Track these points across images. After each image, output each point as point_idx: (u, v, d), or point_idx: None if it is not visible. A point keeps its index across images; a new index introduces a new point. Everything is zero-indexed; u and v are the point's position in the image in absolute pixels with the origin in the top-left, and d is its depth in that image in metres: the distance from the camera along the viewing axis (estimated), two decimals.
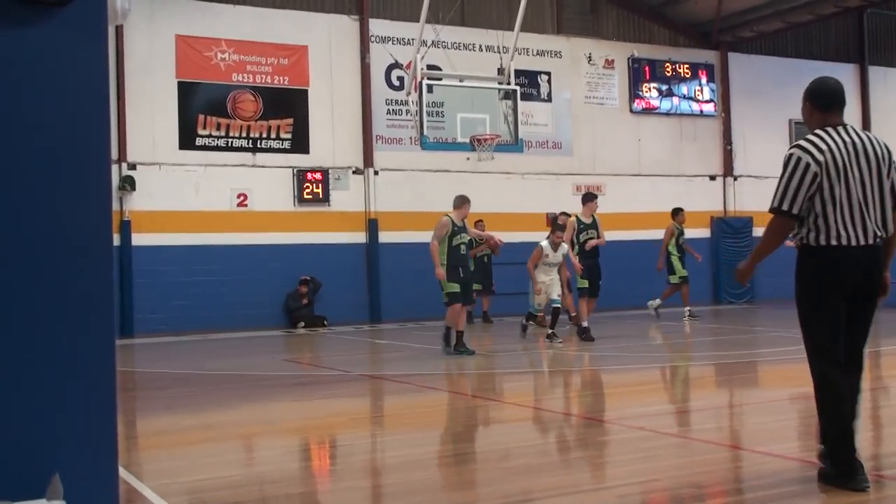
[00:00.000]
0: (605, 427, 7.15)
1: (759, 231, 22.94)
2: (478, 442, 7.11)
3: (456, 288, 12.00)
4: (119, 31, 17.54)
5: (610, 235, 21.40)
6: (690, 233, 19.75)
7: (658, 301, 17.67)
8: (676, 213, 17.82)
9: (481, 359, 13.17)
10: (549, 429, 7.28)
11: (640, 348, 13.20)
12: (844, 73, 25.71)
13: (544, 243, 13.75)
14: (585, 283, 13.82)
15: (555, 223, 14.55)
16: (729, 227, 23.40)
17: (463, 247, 12.20)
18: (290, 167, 19.09)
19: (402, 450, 6.56)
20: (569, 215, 15.35)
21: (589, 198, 14.34)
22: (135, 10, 16.32)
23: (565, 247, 13.65)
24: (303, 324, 18.20)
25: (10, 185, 2.05)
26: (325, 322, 18.40)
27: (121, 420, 6.38)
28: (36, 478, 1.99)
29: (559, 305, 13.70)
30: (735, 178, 23.89)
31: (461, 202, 12.38)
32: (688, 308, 17.12)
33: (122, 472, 5.32)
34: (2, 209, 2.04)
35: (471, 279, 12.48)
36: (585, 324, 13.59)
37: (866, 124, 25.80)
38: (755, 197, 23.51)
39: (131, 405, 8.68)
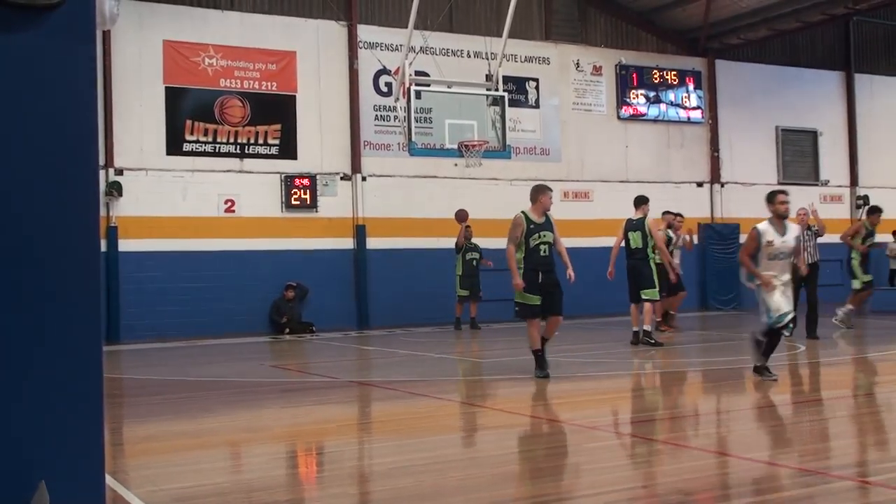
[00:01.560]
0: (593, 433, 7.14)
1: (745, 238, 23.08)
2: (466, 448, 7.10)
3: (534, 300, 10.01)
4: (106, 35, 17.49)
5: (597, 242, 21.58)
6: None
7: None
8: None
9: (469, 365, 13.17)
10: (537, 435, 7.28)
11: (626, 354, 13.20)
12: (830, 81, 25.88)
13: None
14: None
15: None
16: (716, 234, 23.47)
17: (544, 248, 10.10)
18: (277, 173, 19.06)
19: (390, 456, 6.55)
20: (677, 215, 16.07)
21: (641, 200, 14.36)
22: (122, 16, 16.28)
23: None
24: (289, 330, 18.15)
25: None
26: (313, 328, 18.36)
27: (107, 427, 6.36)
28: (22, 485, 1.97)
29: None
30: (722, 185, 23.97)
31: (538, 193, 10.31)
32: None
33: (108, 479, 5.29)
34: None
35: (553, 287, 10.09)
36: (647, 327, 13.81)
37: (852, 131, 25.96)
38: (742, 203, 23.61)
39: (118, 412, 8.64)
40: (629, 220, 14.00)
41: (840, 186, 25.76)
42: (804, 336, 13.62)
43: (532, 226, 10.11)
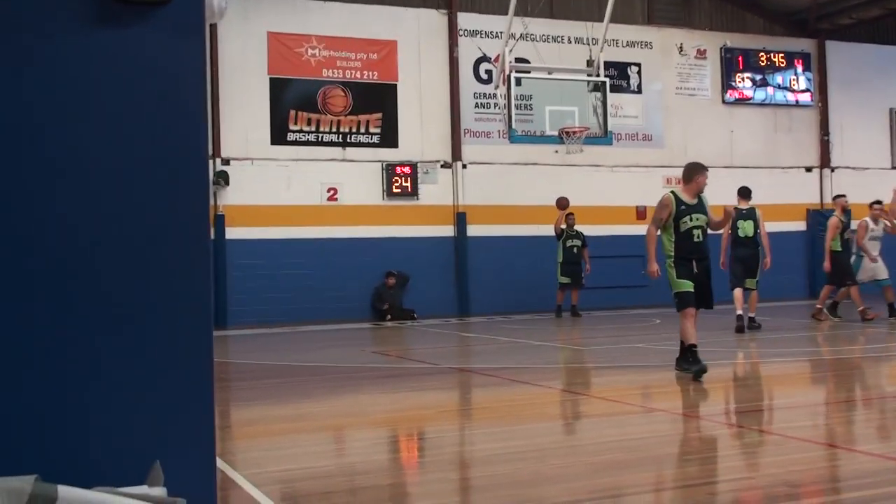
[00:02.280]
0: (697, 423, 7.04)
1: (856, 224, 22.34)
2: (566, 436, 7.08)
3: (687, 286, 9.00)
4: (213, 28, 17.93)
5: None
6: (786, 226, 19.27)
7: None
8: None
9: (570, 353, 13.11)
10: (638, 424, 7.21)
11: (730, 343, 12.95)
12: None
13: (867, 219, 14.46)
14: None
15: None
16: (826, 220, 22.73)
17: (698, 232, 9.07)
18: (379, 161, 19.27)
19: (490, 443, 6.57)
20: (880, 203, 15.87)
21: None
22: (228, 9, 16.67)
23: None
24: (390, 317, 18.36)
25: (111, 184, 2.12)
26: (414, 315, 18.53)
27: (216, 410, 6.55)
28: (138, 464, 2.05)
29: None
30: (832, 170, 23.24)
31: (694, 172, 9.34)
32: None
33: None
34: (106, 208, 2.11)
35: (707, 275, 9.16)
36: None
37: None
38: (854, 189, 22.79)
39: (225, 395, 8.88)
40: (738, 209, 13.80)
41: None
42: None
43: (683, 207, 9.07)
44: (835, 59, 23.57)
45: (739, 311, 13.67)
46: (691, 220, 9.03)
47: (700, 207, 9.15)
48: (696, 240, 9.04)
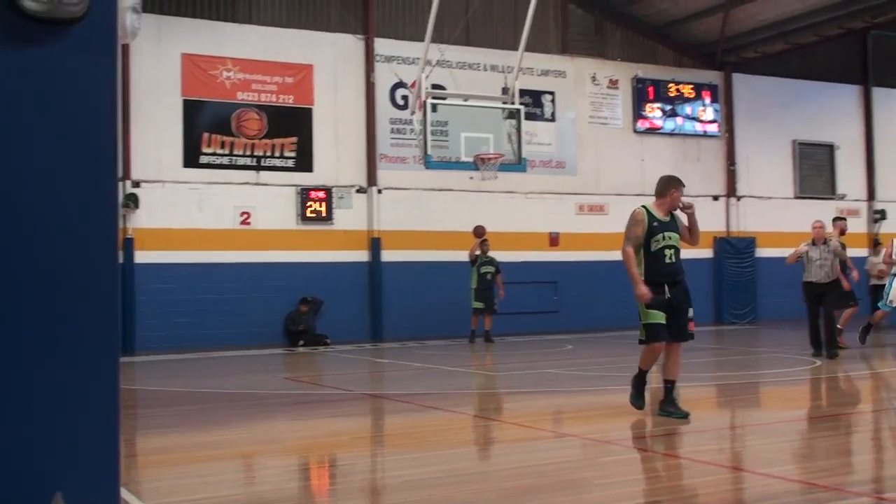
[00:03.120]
0: (607, 448, 7.12)
1: (762, 251, 23.01)
2: (479, 462, 7.09)
3: (659, 317, 8.09)
4: (126, 48, 17.62)
5: (613, 255, 21.51)
6: (694, 253, 19.70)
7: None
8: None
9: (483, 379, 13.16)
10: (550, 449, 7.26)
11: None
12: (848, 94, 25.79)
13: None
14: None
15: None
16: (732, 248, 23.39)
17: (671, 253, 8.19)
18: (293, 185, 19.13)
19: (403, 469, 6.55)
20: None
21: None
22: (141, 29, 16.40)
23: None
24: (303, 342, 18.18)
25: (18, 202, 2.06)
26: (327, 341, 18.38)
27: (122, 438, 6.38)
28: (40, 495, 1.99)
29: None
30: (738, 199, 23.90)
31: (669, 186, 8.42)
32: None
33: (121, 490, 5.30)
34: (10, 226, 2.05)
35: (683, 303, 8.25)
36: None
37: (869, 145, 25.86)
38: (758, 217, 23.54)
39: (132, 423, 8.67)
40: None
41: (857, 200, 25.64)
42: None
43: (656, 223, 8.18)
44: (741, 91, 24.31)
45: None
46: (664, 238, 8.17)
47: (673, 226, 8.31)
48: (668, 261, 8.16)
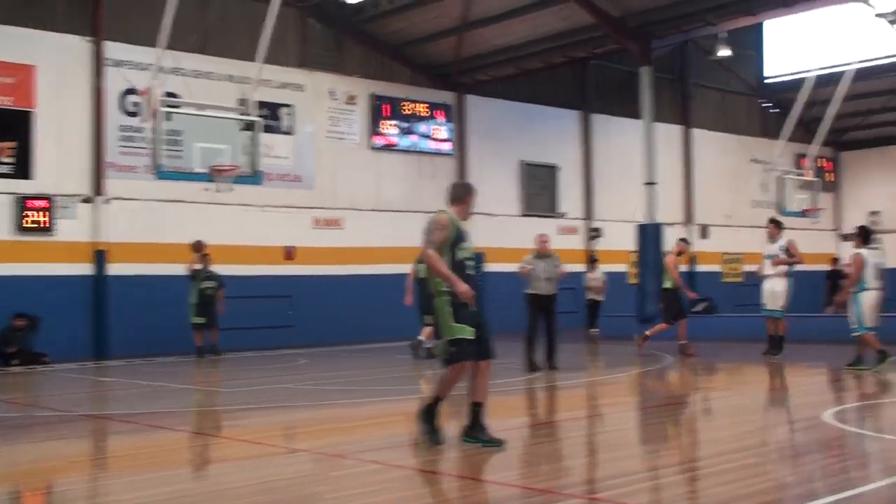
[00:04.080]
0: (339, 462, 7.14)
1: (490, 266, 23.95)
2: (208, 481, 6.91)
3: (469, 333, 7.31)
4: None
5: (349, 269, 21.73)
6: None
7: None
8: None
9: (211, 395, 12.84)
10: (281, 465, 7.19)
11: (371, 382, 13.34)
12: (570, 119, 27.48)
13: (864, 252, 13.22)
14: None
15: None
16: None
17: (471, 264, 7.55)
18: (10, 193, 17.84)
19: (128, 493, 6.26)
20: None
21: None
22: None
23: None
24: (18, 361, 16.94)
25: None
26: (46, 359, 17.22)
27: None
28: None
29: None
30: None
31: (467, 192, 7.80)
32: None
33: None
34: None
35: (483, 319, 7.55)
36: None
37: (588, 168, 27.67)
38: (488, 234, 24.52)
39: None
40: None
41: (576, 219, 27.33)
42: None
43: (460, 231, 7.48)
44: (473, 111, 25.28)
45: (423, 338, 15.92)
46: (467, 249, 7.51)
47: (468, 235, 7.65)
48: (469, 272, 7.45)
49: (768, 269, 15.12)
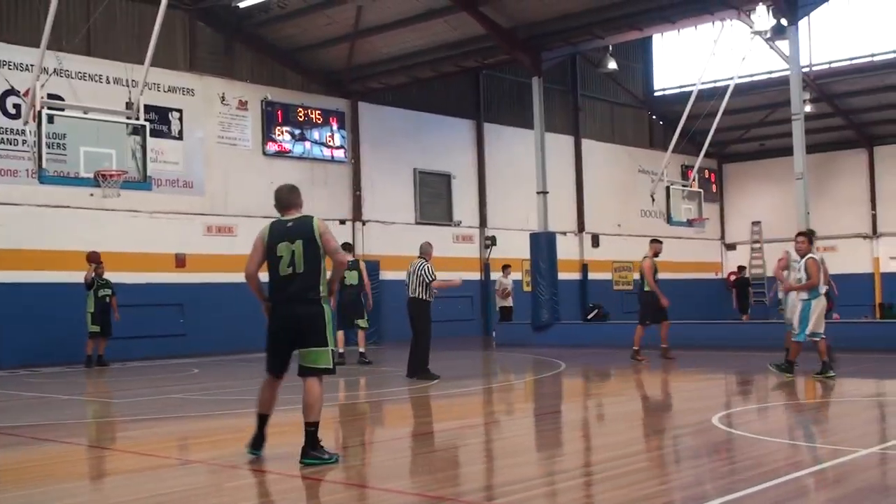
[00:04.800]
0: (234, 472, 7.03)
1: (386, 274, 23.91)
2: (99, 495, 6.71)
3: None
4: None
5: (242, 277, 21.35)
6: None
7: None
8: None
9: (100, 406, 12.48)
10: (175, 477, 7.03)
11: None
12: (463, 128, 27.72)
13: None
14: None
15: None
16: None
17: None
18: None
19: None
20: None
21: None
22: None
23: None
24: None
25: None
26: None
27: None
28: None
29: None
30: (364, 223, 24.74)
31: (296, 194, 7.87)
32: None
33: None
34: None
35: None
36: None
37: (481, 176, 27.94)
38: (382, 241, 24.53)
39: None
40: (350, 261, 15.11)
41: (471, 227, 27.55)
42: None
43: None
44: (367, 119, 25.25)
45: (342, 349, 15.99)
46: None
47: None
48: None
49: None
